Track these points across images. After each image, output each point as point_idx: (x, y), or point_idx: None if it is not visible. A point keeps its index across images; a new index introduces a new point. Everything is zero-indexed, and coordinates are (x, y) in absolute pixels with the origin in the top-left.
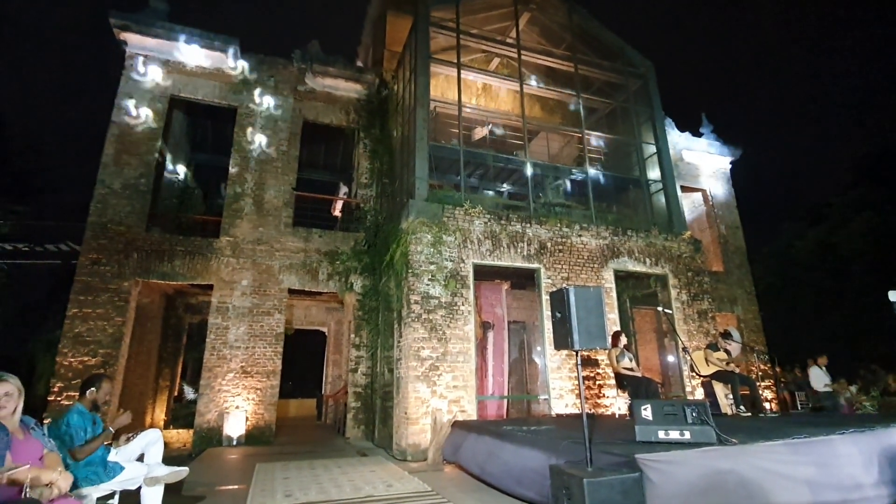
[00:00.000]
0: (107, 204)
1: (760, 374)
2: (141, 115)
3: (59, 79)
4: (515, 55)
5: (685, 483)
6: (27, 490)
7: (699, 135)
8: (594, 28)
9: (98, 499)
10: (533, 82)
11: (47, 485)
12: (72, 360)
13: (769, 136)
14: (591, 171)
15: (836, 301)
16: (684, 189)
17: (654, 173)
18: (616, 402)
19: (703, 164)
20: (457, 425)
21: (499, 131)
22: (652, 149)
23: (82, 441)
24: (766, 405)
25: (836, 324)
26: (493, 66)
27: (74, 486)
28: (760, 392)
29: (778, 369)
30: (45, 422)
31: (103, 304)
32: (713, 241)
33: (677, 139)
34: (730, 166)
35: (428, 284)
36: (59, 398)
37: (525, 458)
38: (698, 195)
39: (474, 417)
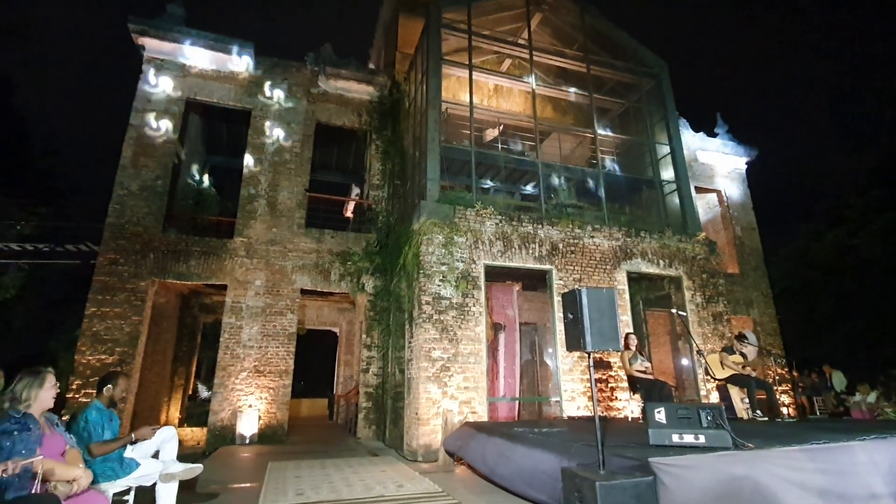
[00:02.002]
0: (125, 205)
1: (777, 378)
2: (158, 118)
3: (80, 83)
4: (527, 56)
5: (699, 488)
6: (38, 482)
7: (714, 135)
8: (606, 28)
9: (114, 494)
10: (545, 83)
11: (70, 481)
12: (90, 357)
13: (786, 136)
14: (604, 172)
15: (855, 304)
16: (699, 190)
17: (667, 174)
18: (629, 405)
19: (718, 164)
20: (467, 425)
21: (510, 132)
22: (665, 149)
23: (100, 437)
24: (784, 410)
25: (855, 328)
26: (505, 67)
27: (92, 481)
28: (777, 396)
29: (795, 373)
30: (63, 418)
31: (121, 304)
32: (728, 242)
33: (691, 139)
34: (745, 167)
35: (439, 285)
36: (77, 395)
37: (537, 460)
38: (713, 196)
39: (485, 419)
